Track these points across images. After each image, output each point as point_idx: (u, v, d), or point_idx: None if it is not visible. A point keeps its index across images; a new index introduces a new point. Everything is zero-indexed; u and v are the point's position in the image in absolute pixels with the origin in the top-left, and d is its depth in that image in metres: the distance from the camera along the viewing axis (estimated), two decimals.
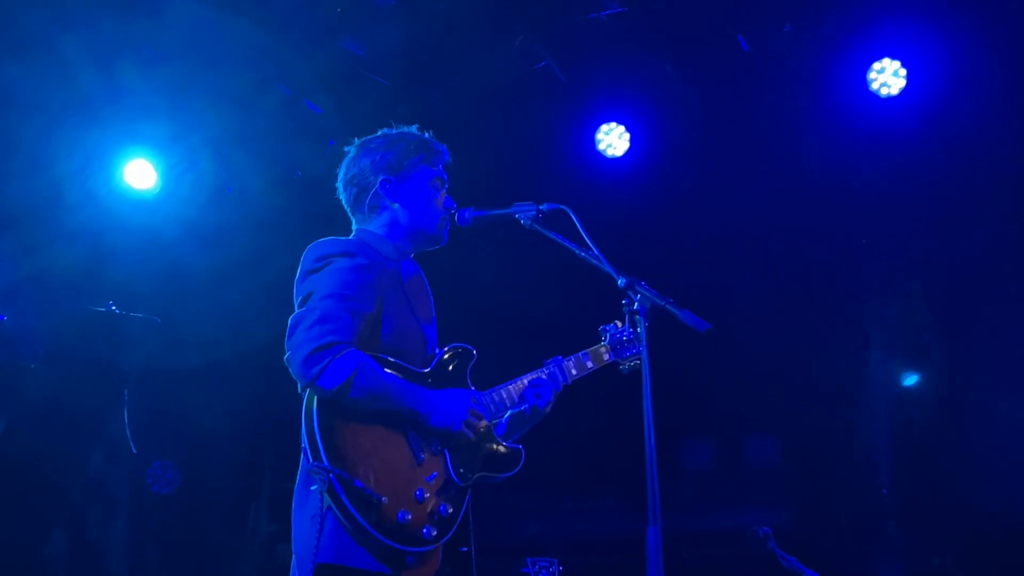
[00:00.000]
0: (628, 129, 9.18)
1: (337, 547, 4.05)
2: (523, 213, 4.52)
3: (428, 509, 4.18)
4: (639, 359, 4.98)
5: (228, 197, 8.90)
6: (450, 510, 4.25)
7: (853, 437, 9.69)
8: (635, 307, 4.00)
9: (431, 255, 4.77)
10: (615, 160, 9.27)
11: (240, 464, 9.24)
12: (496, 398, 4.58)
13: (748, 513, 9.34)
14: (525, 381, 4.70)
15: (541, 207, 4.50)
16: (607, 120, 9.21)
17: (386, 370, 4.22)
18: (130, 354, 8.36)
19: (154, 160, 8.57)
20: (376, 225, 4.60)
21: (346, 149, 4.73)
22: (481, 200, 4.71)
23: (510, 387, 4.65)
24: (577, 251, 4.34)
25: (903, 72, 8.51)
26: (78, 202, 8.34)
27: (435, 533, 4.17)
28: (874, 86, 8.59)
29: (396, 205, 4.58)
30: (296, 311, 4.25)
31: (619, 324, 5.07)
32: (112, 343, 8.14)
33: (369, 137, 4.72)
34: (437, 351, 4.57)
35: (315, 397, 4.09)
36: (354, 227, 4.68)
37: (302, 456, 4.12)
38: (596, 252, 4.25)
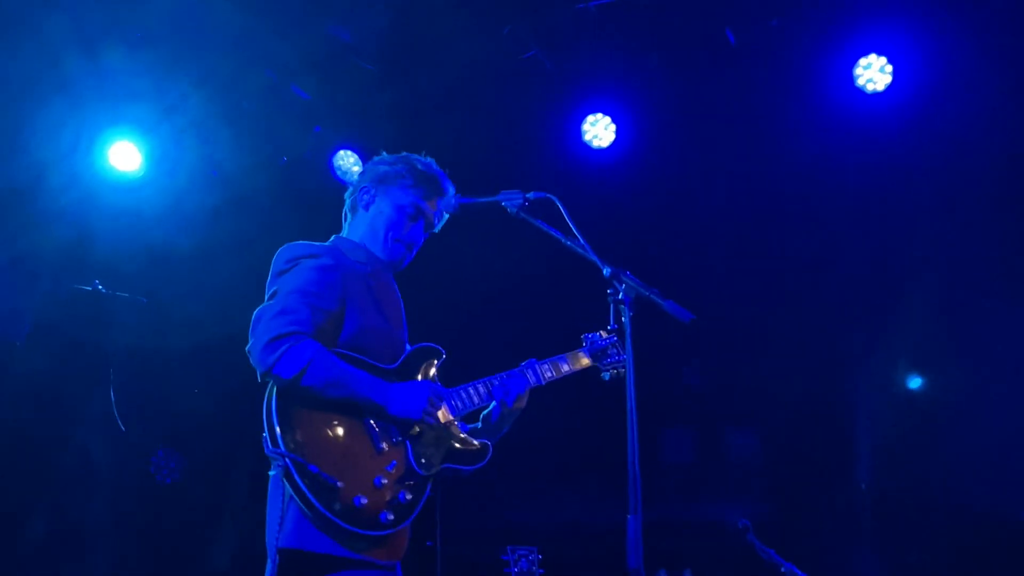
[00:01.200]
0: (614, 120, 9.18)
1: (298, 532, 4.16)
2: (510, 201, 4.56)
3: (387, 496, 4.27)
4: (622, 367, 5.08)
5: (213, 180, 8.88)
6: (409, 497, 4.34)
7: (832, 431, 9.72)
8: (620, 296, 4.03)
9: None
10: (601, 151, 9.26)
11: (222, 445, 9.24)
12: (464, 395, 4.69)
13: (727, 505, 9.37)
14: (495, 381, 4.80)
15: (528, 195, 4.54)
16: (593, 111, 9.19)
17: (344, 362, 4.32)
18: (115, 334, 8.35)
19: (138, 142, 8.54)
20: (352, 231, 4.80)
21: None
22: (465, 188, 4.74)
23: (478, 385, 4.76)
24: (563, 240, 4.38)
25: (889, 68, 8.52)
26: (63, 184, 8.32)
27: (392, 518, 4.25)
28: (860, 82, 8.59)
29: (363, 212, 4.78)
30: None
31: (603, 334, 5.17)
32: (97, 323, 8.14)
33: (393, 155, 4.88)
34: (406, 349, 4.68)
35: (274, 386, 4.22)
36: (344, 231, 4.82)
37: (263, 444, 4.22)
38: (582, 241, 4.29)
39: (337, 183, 8.78)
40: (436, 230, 4.88)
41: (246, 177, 8.86)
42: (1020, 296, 8.93)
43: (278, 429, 4.13)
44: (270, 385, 4.23)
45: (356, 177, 4.90)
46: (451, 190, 4.83)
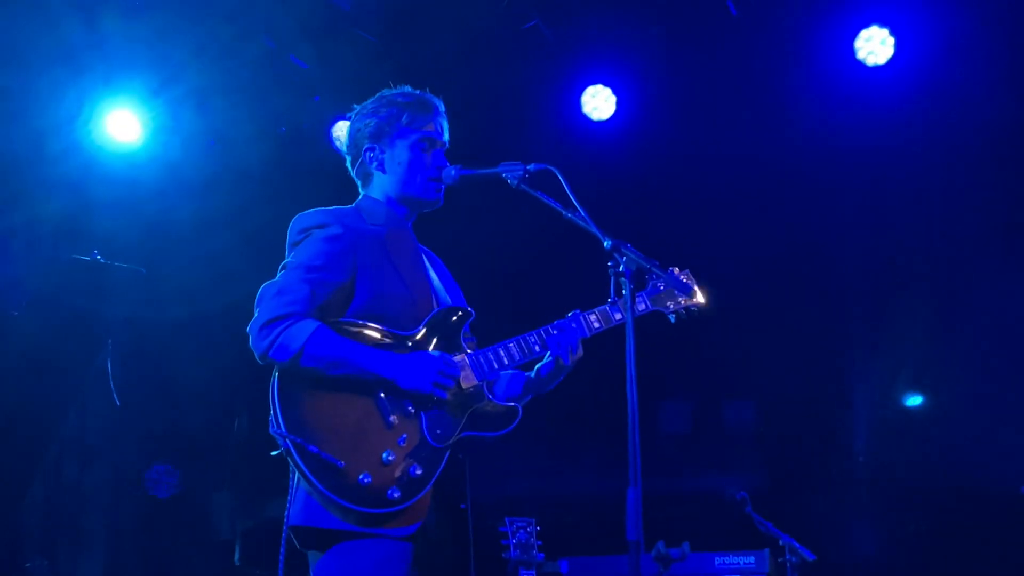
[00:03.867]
0: (615, 92, 9.15)
1: (306, 510, 4.16)
2: (510, 172, 4.50)
3: (396, 472, 4.19)
4: (686, 309, 4.95)
5: (211, 150, 8.85)
6: (420, 472, 4.24)
7: (830, 403, 9.74)
8: (620, 269, 4.01)
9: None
10: (601, 123, 9.24)
11: (220, 414, 9.25)
12: (492, 356, 4.56)
13: (725, 477, 9.39)
14: (533, 337, 4.66)
15: (528, 167, 4.48)
16: (594, 82, 9.17)
17: (346, 337, 4.25)
18: (114, 304, 8.34)
19: (137, 111, 8.51)
20: (374, 191, 4.68)
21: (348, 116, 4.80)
22: (464, 160, 4.71)
23: (510, 345, 4.62)
24: (564, 212, 4.33)
25: (891, 40, 8.48)
26: (61, 153, 8.29)
27: (399, 495, 4.17)
28: (861, 55, 8.56)
29: (380, 173, 4.65)
30: None
31: (677, 270, 5.02)
32: (96, 293, 8.12)
33: (365, 103, 4.76)
34: (434, 310, 4.55)
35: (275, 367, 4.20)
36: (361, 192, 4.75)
37: (270, 424, 4.19)
38: (583, 213, 4.24)
39: (335, 154, 8.74)
40: (447, 143, 4.75)
41: (244, 147, 8.83)
42: (1021, 268, 8.93)
43: (279, 410, 4.11)
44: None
45: (347, 145, 4.78)
46: (438, 101, 4.74)
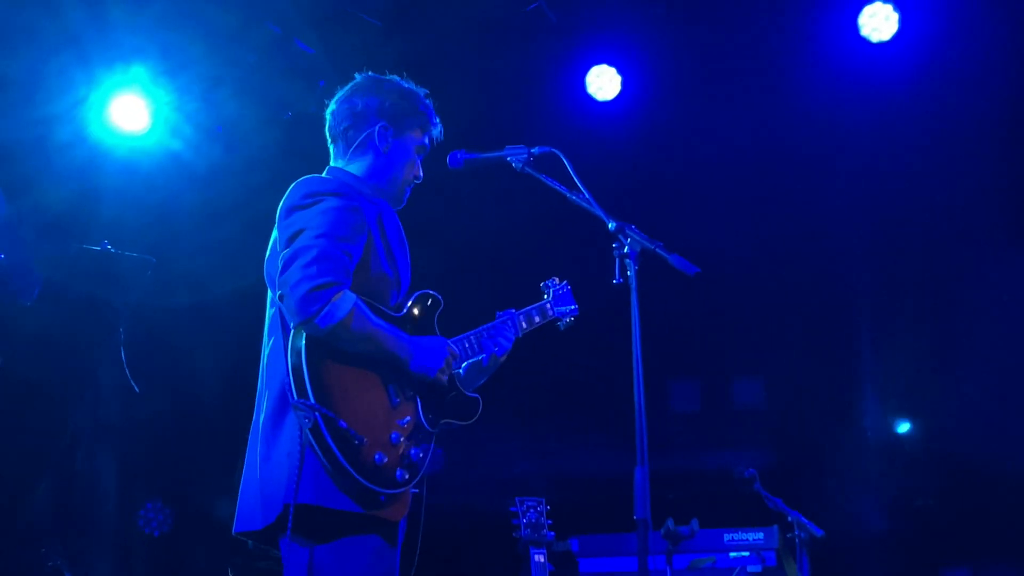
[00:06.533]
0: (619, 72, 9.14)
1: (316, 487, 4.06)
2: (514, 156, 4.54)
3: (401, 452, 4.21)
4: (573, 317, 5.10)
5: (217, 136, 8.87)
6: (420, 455, 4.29)
7: (838, 379, 9.76)
8: (625, 250, 4.03)
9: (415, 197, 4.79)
10: (605, 103, 9.23)
11: (229, 398, 9.29)
12: (465, 346, 4.61)
13: (733, 454, 9.42)
14: (483, 332, 4.72)
15: (532, 150, 4.52)
16: (598, 62, 9.17)
17: (374, 314, 4.24)
18: (124, 292, 8.37)
19: (143, 98, 8.52)
20: (354, 166, 4.63)
21: (356, 75, 4.73)
22: (470, 142, 4.72)
23: (471, 336, 4.66)
24: (568, 194, 4.36)
25: (895, 16, 8.47)
26: (67, 141, 8.30)
27: (407, 476, 4.20)
28: (865, 31, 8.55)
29: (382, 155, 4.59)
30: (287, 247, 4.22)
31: (557, 280, 5.14)
32: (106, 281, 8.14)
33: (382, 77, 4.71)
34: (411, 296, 4.58)
35: (303, 334, 4.10)
36: (331, 162, 4.71)
37: (274, 392, 4.16)
38: (587, 195, 4.28)
39: None
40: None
41: (250, 133, 8.85)
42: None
43: (308, 380, 4.03)
44: (295, 332, 4.12)
45: (353, 108, 4.65)
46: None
